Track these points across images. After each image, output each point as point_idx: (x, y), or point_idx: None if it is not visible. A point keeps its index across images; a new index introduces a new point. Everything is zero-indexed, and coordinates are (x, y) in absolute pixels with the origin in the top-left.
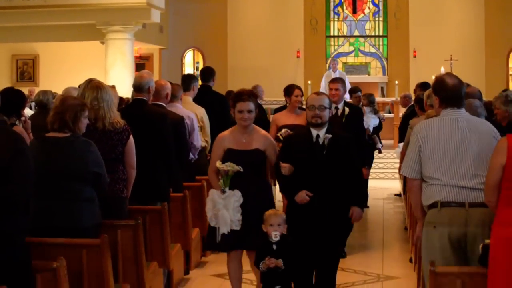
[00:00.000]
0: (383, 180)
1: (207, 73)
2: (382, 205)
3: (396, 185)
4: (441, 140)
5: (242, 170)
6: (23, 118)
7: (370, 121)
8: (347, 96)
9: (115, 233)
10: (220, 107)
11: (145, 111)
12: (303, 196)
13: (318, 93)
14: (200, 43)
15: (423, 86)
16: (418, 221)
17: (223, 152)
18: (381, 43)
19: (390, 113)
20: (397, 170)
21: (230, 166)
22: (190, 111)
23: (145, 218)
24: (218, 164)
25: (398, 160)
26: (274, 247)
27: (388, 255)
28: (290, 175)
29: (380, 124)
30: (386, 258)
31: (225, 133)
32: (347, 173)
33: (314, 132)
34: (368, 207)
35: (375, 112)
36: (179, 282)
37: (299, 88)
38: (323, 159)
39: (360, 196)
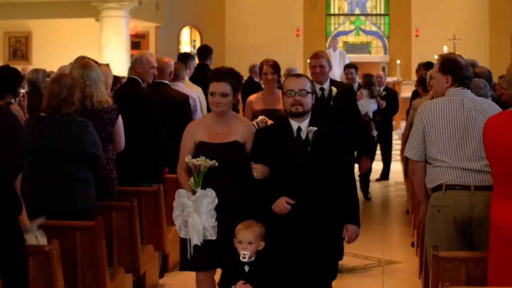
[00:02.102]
0: None
1: (204, 51)
2: (383, 187)
3: (398, 167)
4: (446, 121)
5: (216, 164)
6: (21, 97)
7: (369, 105)
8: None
9: (110, 215)
10: None
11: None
12: (282, 204)
13: (298, 75)
14: (197, 21)
15: (426, 66)
16: (421, 204)
17: (194, 146)
18: (382, 22)
19: None
20: (398, 152)
21: (201, 161)
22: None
23: (140, 200)
24: (187, 158)
25: (399, 142)
26: (246, 268)
27: (389, 239)
28: (264, 179)
29: (379, 110)
30: (387, 242)
31: (198, 121)
32: (338, 176)
33: (294, 124)
34: (370, 198)
35: (372, 95)
36: (175, 265)
37: (272, 63)
38: (307, 158)
39: (355, 208)
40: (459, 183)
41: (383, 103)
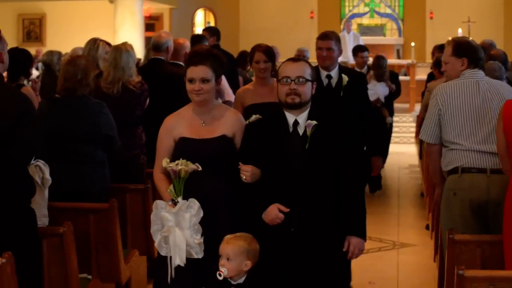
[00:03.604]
0: (399, 145)
1: (212, 32)
2: (398, 170)
3: (412, 150)
4: (461, 103)
5: (200, 169)
6: (33, 78)
7: (379, 89)
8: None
9: (124, 197)
10: (230, 64)
11: (163, 71)
12: (274, 213)
13: (295, 60)
14: (212, 2)
15: (442, 48)
16: (437, 187)
17: (174, 144)
18: (397, 4)
19: (406, 75)
20: (413, 134)
21: (182, 165)
22: None
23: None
24: (165, 162)
25: (414, 124)
26: None
27: (404, 222)
28: (255, 183)
29: (392, 94)
30: (402, 225)
31: (175, 115)
32: (342, 179)
33: (290, 117)
34: (381, 188)
35: (379, 78)
36: None
37: (265, 49)
38: (304, 157)
39: (360, 217)
40: (475, 166)
41: (393, 86)
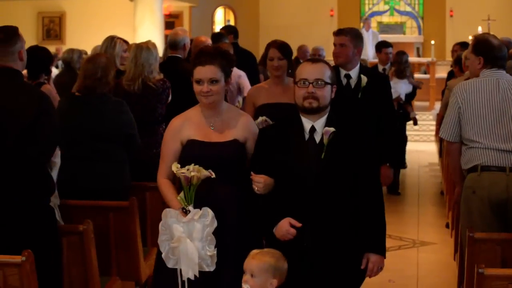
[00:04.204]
0: (419, 143)
1: (231, 30)
2: (418, 168)
3: (432, 148)
4: (481, 101)
5: (213, 176)
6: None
7: (400, 87)
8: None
9: (144, 196)
10: (250, 62)
11: (181, 69)
12: (285, 228)
13: (314, 60)
14: (232, 0)
15: (464, 46)
16: (457, 185)
17: (181, 147)
18: (416, 2)
19: (425, 73)
20: (433, 133)
21: (195, 171)
22: None
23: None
24: (175, 167)
25: (434, 122)
26: None
27: (423, 220)
28: (267, 194)
29: (414, 91)
30: (422, 223)
31: (181, 116)
32: (361, 192)
33: (306, 122)
34: (398, 193)
35: (400, 75)
36: None
37: (280, 44)
38: (320, 167)
39: (381, 232)
40: (495, 164)
41: (418, 83)
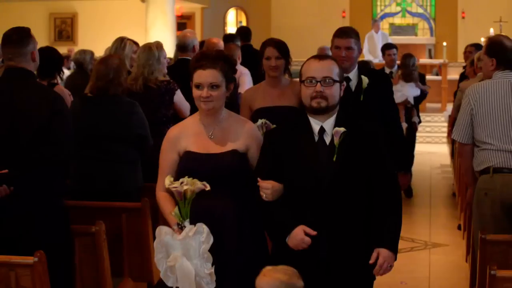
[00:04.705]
0: (430, 145)
1: (246, 32)
2: (429, 170)
3: (444, 150)
4: (493, 103)
5: (208, 188)
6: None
7: (407, 90)
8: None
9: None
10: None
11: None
12: (300, 237)
13: (321, 57)
14: (243, 2)
15: (477, 47)
16: (469, 187)
17: (178, 157)
18: (428, 4)
19: (437, 75)
20: (444, 134)
21: (188, 184)
22: None
23: None
24: (168, 180)
25: (446, 124)
26: None
27: (435, 222)
28: (276, 201)
29: (422, 94)
30: (434, 225)
31: (180, 125)
32: (378, 195)
33: (315, 123)
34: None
35: (407, 79)
36: None
37: (276, 43)
38: (332, 171)
39: (395, 231)
40: (507, 166)
41: (426, 88)
